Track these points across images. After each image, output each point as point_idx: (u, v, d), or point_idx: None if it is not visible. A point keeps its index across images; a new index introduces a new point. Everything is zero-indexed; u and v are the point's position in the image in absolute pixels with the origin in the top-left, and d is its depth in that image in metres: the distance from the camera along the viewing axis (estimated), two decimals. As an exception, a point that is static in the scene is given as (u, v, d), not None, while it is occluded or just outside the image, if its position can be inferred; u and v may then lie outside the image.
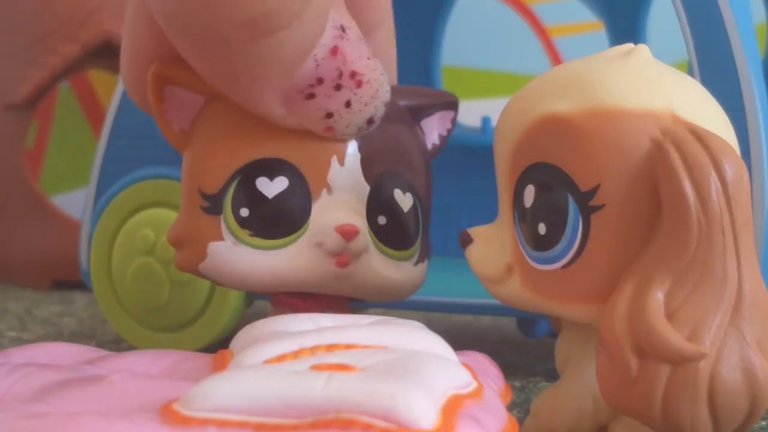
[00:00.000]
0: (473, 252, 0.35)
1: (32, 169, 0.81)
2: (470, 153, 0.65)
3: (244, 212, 0.37)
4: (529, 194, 0.32)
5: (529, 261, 0.33)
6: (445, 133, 0.42)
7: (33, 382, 0.33)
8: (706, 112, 0.32)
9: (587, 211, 0.31)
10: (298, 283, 0.38)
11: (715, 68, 0.44)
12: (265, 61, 0.35)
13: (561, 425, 0.34)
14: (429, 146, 0.42)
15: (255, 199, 0.37)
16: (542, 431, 0.35)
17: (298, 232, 0.37)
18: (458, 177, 0.65)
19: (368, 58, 0.36)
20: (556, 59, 0.92)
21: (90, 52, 0.79)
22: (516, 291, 0.33)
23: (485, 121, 0.64)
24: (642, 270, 0.30)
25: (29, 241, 0.81)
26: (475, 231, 0.35)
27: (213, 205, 0.38)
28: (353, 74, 0.36)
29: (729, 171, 0.30)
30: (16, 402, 0.31)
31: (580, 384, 0.34)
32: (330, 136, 0.37)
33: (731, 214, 0.30)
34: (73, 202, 0.81)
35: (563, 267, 0.32)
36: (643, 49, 0.33)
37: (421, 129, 0.41)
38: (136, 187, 0.53)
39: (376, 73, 0.36)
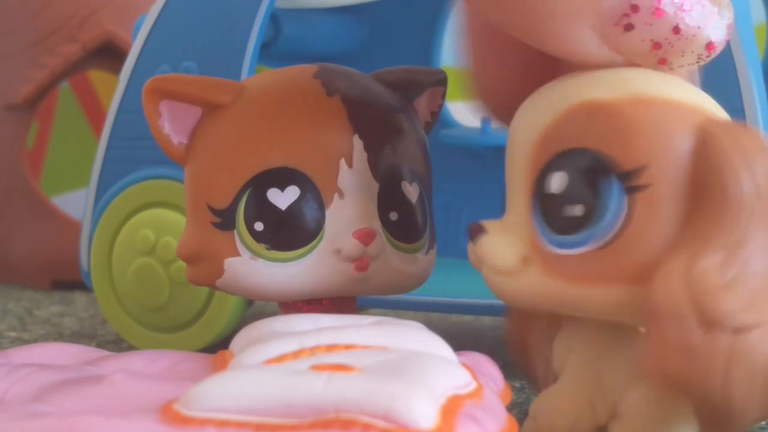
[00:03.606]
0: (485, 243, 0.34)
1: (33, 169, 0.81)
2: (470, 153, 0.65)
3: (259, 226, 0.37)
4: (559, 180, 0.32)
5: (551, 247, 0.32)
6: (436, 109, 0.42)
7: (33, 382, 0.33)
8: (724, 116, 0.33)
9: (631, 190, 0.31)
10: (317, 291, 0.38)
11: (715, 68, 0.44)
12: None
13: (560, 426, 0.34)
14: (422, 124, 0.42)
15: (268, 211, 0.37)
16: (542, 432, 0.35)
17: (315, 241, 0.37)
18: (458, 177, 0.65)
19: None
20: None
21: (91, 52, 0.79)
22: (533, 281, 0.33)
23: (485, 121, 0.64)
24: (692, 243, 0.31)
25: (29, 241, 0.81)
26: (487, 224, 0.35)
27: (224, 220, 0.37)
28: None
29: None
30: (16, 402, 0.32)
31: (578, 385, 0.34)
32: (666, 70, 0.33)
33: None
34: (73, 202, 0.81)
35: (599, 248, 0.32)
36: None
37: (414, 108, 0.41)
38: (136, 187, 0.53)
39: None
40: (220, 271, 0.38)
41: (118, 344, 0.57)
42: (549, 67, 0.34)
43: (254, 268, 0.37)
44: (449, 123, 0.67)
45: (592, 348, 0.34)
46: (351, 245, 0.37)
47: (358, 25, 0.68)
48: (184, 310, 0.52)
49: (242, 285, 0.38)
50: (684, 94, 0.33)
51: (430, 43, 0.67)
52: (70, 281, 0.78)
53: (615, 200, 0.32)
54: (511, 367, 0.51)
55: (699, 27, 0.32)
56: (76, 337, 0.60)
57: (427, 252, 0.40)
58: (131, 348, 0.54)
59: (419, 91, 0.41)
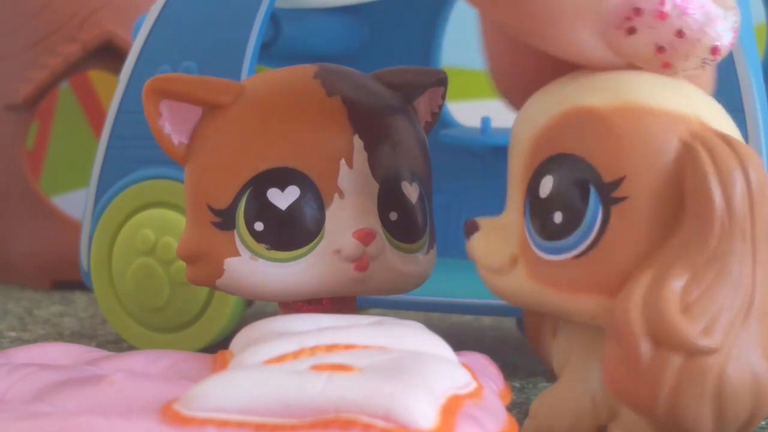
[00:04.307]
0: (477, 241, 0.34)
1: (33, 169, 0.81)
2: (470, 153, 0.65)
3: (259, 226, 0.37)
4: (547, 184, 0.32)
5: (537, 251, 0.33)
6: (436, 110, 0.42)
7: (34, 382, 0.33)
8: (726, 124, 0.33)
9: (608, 201, 0.31)
10: (317, 291, 0.38)
11: (715, 68, 0.44)
12: None
13: (560, 426, 0.34)
14: (422, 124, 0.42)
15: (268, 211, 0.37)
16: (542, 432, 0.35)
17: (315, 241, 0.37)
18: (458, 177, 0.65)
19: None
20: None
21: (90, 52, 0.79)
22: (519, 283, 0.33)
23: (485, 121, 0.64)
24: (660, 262, 0.30)
25: (29, 241, 0.81)
26: (481, 221, 0.35)
27: (224, 220, 0.37)
28: (680, 0, 0.32)
29: (755, 178, 0.31)
30: (16, 402, 0.32)
31: (578, 385, 0.34)
32: (670, 74, 0.33)
33: (753, 220, 0.30)
34: (73, 202, 0.81)
35: (576, 257, 0.32)
36: None
37: (414, 108, 0.41)
38: (136, 187, 0.53)
39: None
40: (220, 271, 0.38)
41: (118, 344, 0.57)
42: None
43: (254, 268, 0.37)
44: (449, 123, 0.67)
45: (593, 348, 0.34)
46: (351, 245, 0.37)
47: (358, 25, 0.68)
48: (184, 310, 0.52)
49: (242, 285, 0.38)
50: (679, 102, 0.32)
51: (430, 43, 0.67)
52: (70, 281, 0.78)
53: (592, 210, 0.32)
54: (511, 367, 0.51)
55: (703, 31, 0.32)
56: (76, 337, 0.60)
57: (427, 252, 0.40)
58: (131, 348, 0.54)
59: (419, 91, 0.41)
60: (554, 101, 0.33)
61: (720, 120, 0.33)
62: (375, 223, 0.38)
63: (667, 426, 0.30)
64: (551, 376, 0.38)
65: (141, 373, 0.33)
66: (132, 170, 0.53)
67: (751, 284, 0.30)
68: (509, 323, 0.64)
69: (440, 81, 0.42)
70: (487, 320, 0.68)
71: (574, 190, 0.32)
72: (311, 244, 0.37)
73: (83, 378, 0.33)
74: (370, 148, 0.38)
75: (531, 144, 0.33)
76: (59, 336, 0.60)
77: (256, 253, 0.37)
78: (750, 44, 0.45)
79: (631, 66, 0.33)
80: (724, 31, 0.32)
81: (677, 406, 0.30)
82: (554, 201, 0.32)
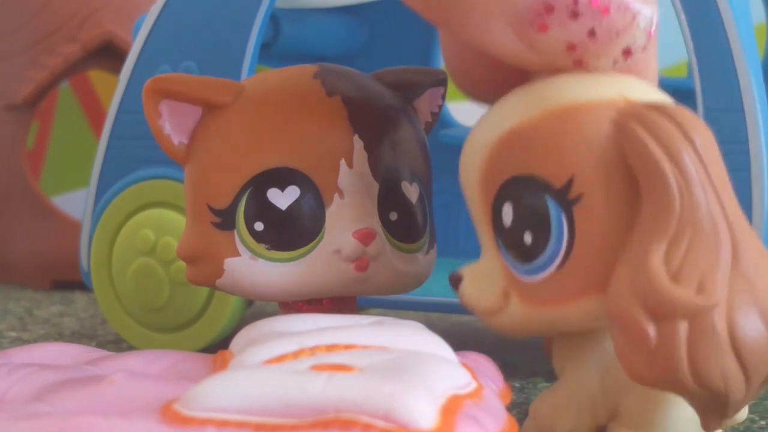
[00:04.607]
0: (466, 289, 0.34)
1: (33, 169, 0.81)
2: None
3: (259, 226, 0.37)
4: (508, 212, 0.33)
5: (523, 278, 0.33)
6: (436, 110, 0.42)
7: (34, 382, 0.33)
8: (655, 95, 0.33)
9: (568, 205, 0.32)
10: (317, 291, 0.38)
11: (715, 69, 0.44)
12: None
13: (560, 426, 0.34)
14: (422, 124, 0.42)
15: (268, 211, 0.37)
16: None
17: (315, 241, 0.37)
18: (458, 177, 0.65)
19: None
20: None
21: (91, 52, 0.79)
22: (518, 314, 0.33)
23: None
24: (635, 243, 0.30)
25: (29, 241, 0.81)
26: (463, 270, 0.35)
27: (224, 220, 0.37)
28: (593, 1, 0.31)
29: (696, 134, 0.30)
30: (16, 402, 0.32)
31: (578, 385, 0.34)
32: (583, 71, 0.33)
33: (707, 172, 0.30)
34: (73, 202, 0.81)
35: (558, 267, 0.32)
36: None
37: (414, 108, 0.41)
38: (136, 187, 0.53)
39: None
40: (220, 271, 0.38)
41: (118, 344, 0.57)
42: None
43: (254, 268, 0.37)
44: (449, 123, 0.67)
45: (593, 348, 0.34)
46: (351, 245, 0.37)
47: (358, 25, 0.68)
48: (184, 310, 0.52)
49: (242, 285, 0.38)
50: (601, 90, 0.32)
51: (430, 43, 0.67)
52: (70, 281, 0.78)
53: (556, 220, 0.32)
54: (511, 367, 0.51)
55: (616, 32, 0.31)
56: (76, 337, 0.60)
57: (427, 252, 0.40)
58: (131, 348, 0.54)
59: (419, 91, 0.41)
60: (487, 132, 0.33)
61: (651, 94, 0.33)
62: (375, 223, 0.38)
63: (703, 394, 0.30)
64: (551, 376, 0.38)
65: (141, 373, 0.33)
66: (132, 170, 0.53)
67: (728, 229, 0.30)
68: (509, 323, 0.64)
69: (440, 81, 0.42)
70: (487, 320, 0.68)
71: (532, 207, 0.32)
72: (311, 244, 0.37)
73: (83, 378, 0.33)
74: (370, 148, 0.38)
75: (481, 179, 0.34)
76: (59, 336, 0.60)
77: (256, 253, 0.37)
78: (750, 44, 0.45)
79: (545, 62, 0.33)
80: (638, 34, 0.32)
81: (701, 370, 0.29)
82: (519, 225, 0.33)
